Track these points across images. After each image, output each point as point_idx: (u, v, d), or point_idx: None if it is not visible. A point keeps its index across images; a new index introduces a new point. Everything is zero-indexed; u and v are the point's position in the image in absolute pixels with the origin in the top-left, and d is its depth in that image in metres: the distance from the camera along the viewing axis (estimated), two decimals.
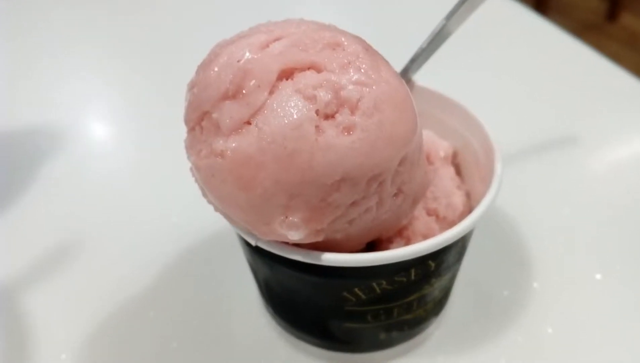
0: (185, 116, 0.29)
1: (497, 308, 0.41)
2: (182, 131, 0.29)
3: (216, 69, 0.27)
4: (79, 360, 0.38)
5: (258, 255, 0.33)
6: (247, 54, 0.27)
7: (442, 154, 0.36)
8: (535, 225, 0.46)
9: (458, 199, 0.35)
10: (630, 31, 2.25)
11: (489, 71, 0.67)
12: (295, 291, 0.33)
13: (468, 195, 0.38)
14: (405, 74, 0.40)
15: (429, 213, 0.34)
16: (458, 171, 0.39)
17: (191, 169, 0.30)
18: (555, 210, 0.47)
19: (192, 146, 0.28)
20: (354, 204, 0.27)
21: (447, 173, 0.36)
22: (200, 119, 0.28)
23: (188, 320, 0.40)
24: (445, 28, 0.37)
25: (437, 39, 0.38)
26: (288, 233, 0.27)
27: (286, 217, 0.27)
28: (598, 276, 0.42)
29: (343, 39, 0.28)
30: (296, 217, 0.27)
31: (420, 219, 0.34)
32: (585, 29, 2.23)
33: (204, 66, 0.29)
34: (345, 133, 0.26)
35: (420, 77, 0.40)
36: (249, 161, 0.26)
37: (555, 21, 0.74)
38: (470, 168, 0.38)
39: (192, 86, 0.29)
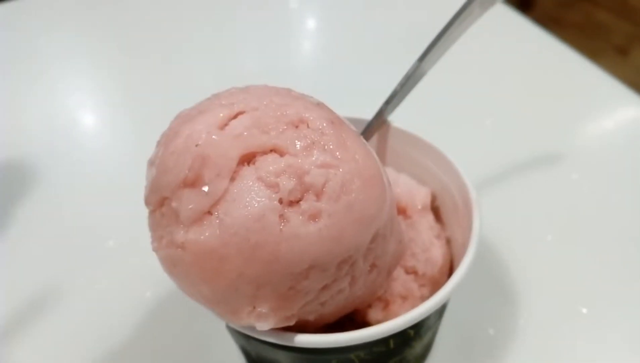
0: (145, 196, 0.28)
1: (483, 348, 0.40)
2: None
3: (175, 151, 0.26)
4: None
5: (232, 331, 0.32)
6: (206, 136, 0.25)
7: (419, 206, 0.35)
8: (519, 257, 0.45)
9: (437, 251, 0.34)
10: (619, 0, 2.21)
11: (470, 94, 0.65)
12: (272, 361, 0.32)
13: (448, 241, 0.37)
14: (381, 115, 0.38)
15: (407, 271, 0.33)
16: (437, 215, 0.38)
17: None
18: (538, 237, 0.46)
19: (154, 229, 0.27)
20: (325, 287, 0.26)
21: (425, 224, 0.35)
22: (160, 204, 0.26)
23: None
24: (419, 70, 0.36)
25: (411, 80, 0.36)
26: (257, 323, 0.26)
27: (254, 307, 0.26)
28: (584, 310, 0.41)
29: (307, 115, 0.26)
30: (264, 307, 0.25)
31: (399, 280, 0.33)
32: None
33: (164, 144, 0.27)
34: (311, 221, 0.24)
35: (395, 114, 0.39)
36: (211, 254, 0.24)
37: None
38: (449, 213, 0.37)
39: (151, 163, 0.28)
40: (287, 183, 0.24)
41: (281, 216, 0.24)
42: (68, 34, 0.78)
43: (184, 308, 0.43)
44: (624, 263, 0.44)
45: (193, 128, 0.26)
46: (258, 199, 0.24)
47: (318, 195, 0.25)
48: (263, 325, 0.26)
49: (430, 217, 0.36)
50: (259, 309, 0.25)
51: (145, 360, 0.40)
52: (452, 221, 0.36)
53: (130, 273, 0.46)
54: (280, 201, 0.24)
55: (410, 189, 0.36)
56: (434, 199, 0.38)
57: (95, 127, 0.64)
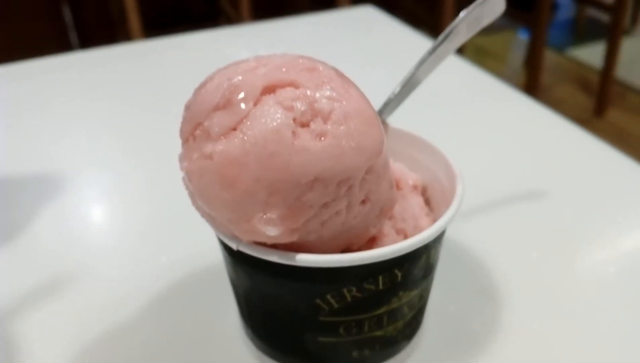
0: (181, 130, 0.33)
1: (469, 339, 0.42)
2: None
3: (209, 89, 0.32)
4: None
5: (239, 265, 0.36)
6: (237, 74, 0.32)
7: (411, 182, 0.40)
8: (505, 266, 0.49)
9: (425, 223, 0.39)
10: (617, 127, 2.35)
11: (467, 126, 0.71)
12: (272, 299, 0.36)
13: None
14: (379, 116, 0.44)
15: (398, 232, 0.37)
16: (428, 204, 0.42)
17: (183, 179, 0.33)
18: (524, 253, 0.50)
19: (186, 154, 0.32)
20: (325, 205, 0.31)
21: (416, 201, 0.40)
22: (194, 130, 0.32)
23: (172, 346, 0.42)
24: (415, 76, 0.42)
25: (408, 86, 0.43)
26: (266, 228, 0.30)
27: (265, 214, 0.30)
28: (566, 310, 0.44)
29: (319, 66, 0.33)
30: (274, 214, 0.30)
31: (390, 236, 0.37)
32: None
33: (200, 88, 0.33)
34: (318, 139, 0.30)
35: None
36: (233, 162, 0.30)
37: None
38: (438, 199, 0.42)
39: (188, 105, 0.33)
40: (300, 107, 0.30)
41: (294, 132, 0.30)
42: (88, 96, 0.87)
43: (189, 291, 0.47)
44: (605, 270, 0.48)
45: (227, 71, 0.32)
46: (276, 117, 0.30)
47: (325, 120, 0.30)
48: (271, 231, 0.30)
49: (420, 199, 0.41)
50: (269, 215, 0.30)
51: (153, 335, 0.43)
52: (441, 203, 0.41)
53: (139, 263, 0.50)
54: (294, 120, 0.30)
55: (402, 170, 0.41)
56: (425, 190, 0.43)
57: (120, 147, 0.70)
